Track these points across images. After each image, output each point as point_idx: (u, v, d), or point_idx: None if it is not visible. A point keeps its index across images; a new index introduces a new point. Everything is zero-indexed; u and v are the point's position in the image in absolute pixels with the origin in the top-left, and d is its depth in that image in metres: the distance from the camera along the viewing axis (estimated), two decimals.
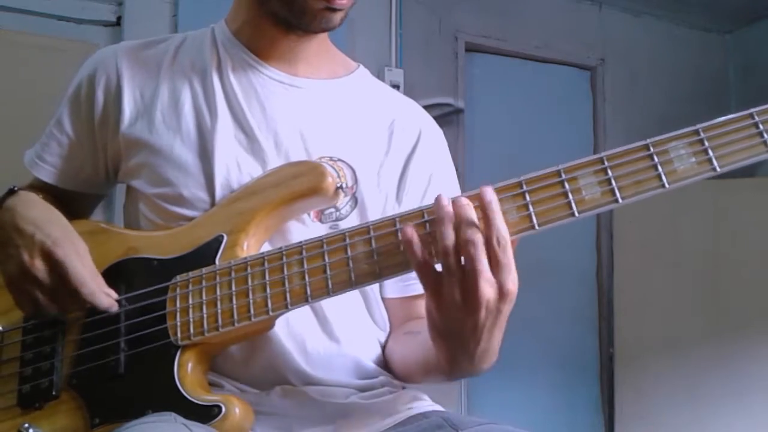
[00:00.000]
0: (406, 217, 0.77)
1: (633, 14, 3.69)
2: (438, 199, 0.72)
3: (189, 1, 2.61)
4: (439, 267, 0.71)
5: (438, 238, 0.71)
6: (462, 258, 0.70)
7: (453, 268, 0.70)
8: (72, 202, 1.01)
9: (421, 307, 0.98)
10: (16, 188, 0.94)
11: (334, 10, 0.89)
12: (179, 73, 0.97)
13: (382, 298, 1.00)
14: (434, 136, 1.05)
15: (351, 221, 0.91)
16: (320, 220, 0.92)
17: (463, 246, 0.69)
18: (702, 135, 0.73)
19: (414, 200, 0.99)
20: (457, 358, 0.76)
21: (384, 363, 0.98)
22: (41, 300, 0.84)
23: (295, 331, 0.89)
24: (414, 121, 1.03)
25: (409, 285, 0.97)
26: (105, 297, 0.84)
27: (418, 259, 0.71)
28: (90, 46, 2.44)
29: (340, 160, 0.93)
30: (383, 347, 0.98)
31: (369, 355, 0.96)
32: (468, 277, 0.69)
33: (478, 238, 0.69)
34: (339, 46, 1.06)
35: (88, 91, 0.98)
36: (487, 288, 0.69)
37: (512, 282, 0.70)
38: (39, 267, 0.83)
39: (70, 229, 0.88)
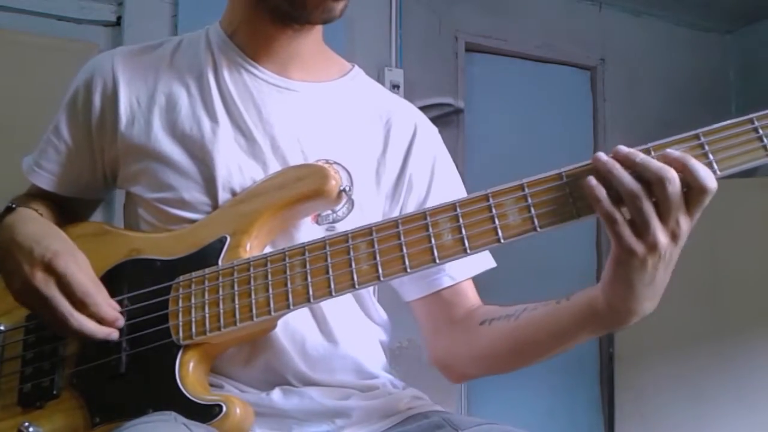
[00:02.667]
0: (407, 219, 0.78)
1: (633, 14, 3.69)
2: (597, 156, 0.72)
3: (189, 2, 2.60)
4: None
5: (620, 187, 0.70)
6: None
7: (646, 210, 0.71)
8: (71, 207, 1.01)
9: (459, 297, 0.96)
10: (14, 205, 0.94)
11: None
12: (176, 78, 0.97)
13: (407, 303, 1.00)
14: (430, 130, 1.05)
15: (347, 223, 0.91)
16: (317, 222, 0.92)
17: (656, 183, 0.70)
18: (702, 139, 0.74)
19: (419, 192, 0.99)
20: (639, 293, 0.79)
21: (386, 365, 0.98)
22: (45, 314, 0.82)
23: (294, 333, 0.89)
24: (408, 117, 1.04)
25: (432, 281, 0.96)
26: (110, 309, 0.83)
27: (606, 210, 0.71)
28: (90, 46, 2.44)
29: (336, 162, 0.94)
30: (431, 348, 0.99)
31: (369, 356, 0.96)
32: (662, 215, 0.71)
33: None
34: (338, 46, 1.07)
35: (85, 97, 0.97)
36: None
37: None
38: (40, 279, 0.81)
39: (68, 242, 0.87)
